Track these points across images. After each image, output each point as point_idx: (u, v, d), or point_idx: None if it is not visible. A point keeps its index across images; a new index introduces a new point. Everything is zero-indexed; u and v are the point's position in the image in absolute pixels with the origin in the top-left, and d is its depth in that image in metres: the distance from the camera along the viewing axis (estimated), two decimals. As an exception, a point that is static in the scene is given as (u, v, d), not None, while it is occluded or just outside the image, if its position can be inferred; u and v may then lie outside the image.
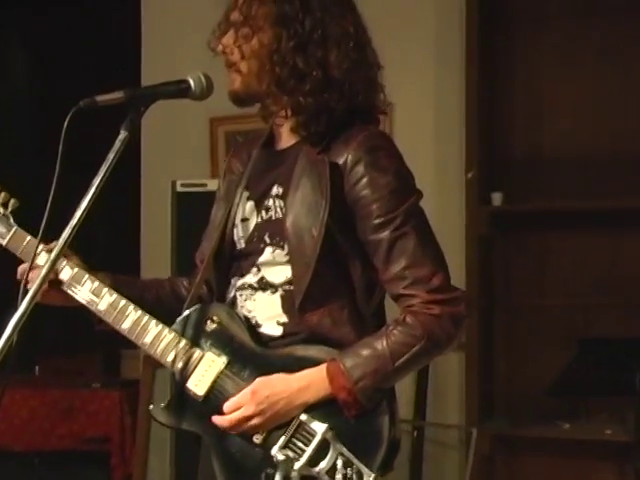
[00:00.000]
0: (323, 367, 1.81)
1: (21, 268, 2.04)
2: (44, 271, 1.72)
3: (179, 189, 4.09)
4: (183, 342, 1.91)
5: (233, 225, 1.99)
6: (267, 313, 1.91)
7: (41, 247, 1.96)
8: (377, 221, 1.83)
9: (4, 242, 2.07)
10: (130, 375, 4.97)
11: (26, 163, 6.06)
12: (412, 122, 4.28)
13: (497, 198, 4.16)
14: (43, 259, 1.96)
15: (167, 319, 1.96)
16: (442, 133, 4.28)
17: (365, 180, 1.83)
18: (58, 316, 6.17)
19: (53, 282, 2.00)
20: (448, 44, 4.25)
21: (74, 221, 1.72)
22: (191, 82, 1.85)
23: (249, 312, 1.94)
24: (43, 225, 1.73)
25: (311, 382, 1.81)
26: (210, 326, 1.91)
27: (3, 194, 2.09)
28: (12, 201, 2.08)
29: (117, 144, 1.75)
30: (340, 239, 1.85)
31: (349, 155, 1.84)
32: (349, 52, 1.89)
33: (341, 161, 1.84)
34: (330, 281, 1.86)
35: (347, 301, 1.87)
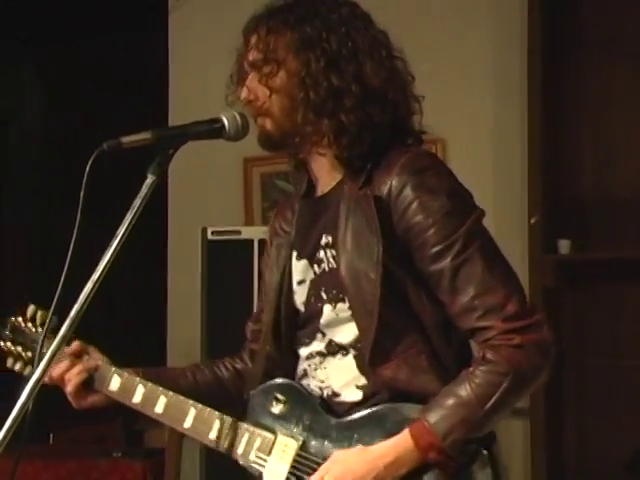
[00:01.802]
0: (406, 431, 1.78)
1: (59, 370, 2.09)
2: (59, 338, 1.72)
3: (210, 237, 4.12)
4: (250, 431, 1.92)
5: (290, 291, 1.99)
6: (343, 379, 1.90)
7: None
8: (435, 249, 1.81)
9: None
10: (154, 444, 4.96)
11: (40, 209, 6.14)
12: (468, 161, 4.28)
13: (564, 245, 4.13)
14: (117, 381, 2.06)
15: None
16: (502, 173, 4.27)
17: (415, 205, 1.81)
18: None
19: (85, 385, 2.07)
20: (507, 74, 4.25)
21: (96, 275, 1.73)
22: (225, 121, 1.86)
23: (322, 382, 1.93)
24: (62, 279, 1.74)
25: (397, 454, 1.78)
26: (276, 407, 1.91)
27: (40, 313, 2.16)
28: (45, 315, 2.14)
29: (144, 189, 1.76)
30: (401, 277, 1.84)
31: (392, 181, 1.83)
32: (383, 61, 1.91)
33: (385, 190, 1.83)
34: (399, 326, 1.84)
35: (423, 346, 1.84)
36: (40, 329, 2.15)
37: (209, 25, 4.95)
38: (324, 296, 1.91)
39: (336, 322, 1.90)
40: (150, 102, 5.07)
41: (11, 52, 5.97)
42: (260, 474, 1.90)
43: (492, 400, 1.76)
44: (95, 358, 2.12)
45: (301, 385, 1.94)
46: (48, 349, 2.00)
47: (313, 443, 1.87)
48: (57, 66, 6.04)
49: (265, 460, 1.89)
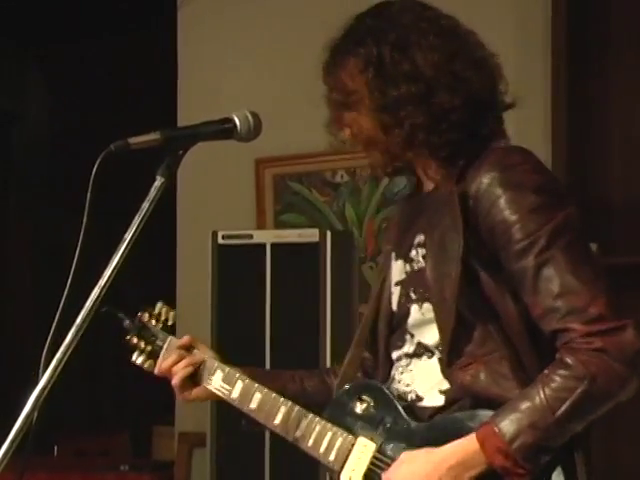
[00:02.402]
0: (473, 434, 1.79)
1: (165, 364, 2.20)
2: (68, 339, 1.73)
3: (221, 241, 4.12)
4: (333, 430, 1.98)
5: (390, 293, 2.03)
6: (427, 383, 1.93)
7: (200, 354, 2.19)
8: (518, 247, 1.81)
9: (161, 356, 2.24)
10: (163, 455, 4.97)
11: (45, 213, 6.16)
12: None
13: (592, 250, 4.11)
14: (219, 376, 2.15)
15: (315, 411, 2.03)
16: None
17: (501, 202, 1.83)
18: (80, 390, 6.23)
19: (190, 378, 2.17)
20: (530, 73, 4.24)
21: (103, 281, 1.74)
22: (237, 121, 1.86)
23: (407, 386, 1.97)
24: (68, 285, 1.74)
25: (462, 457, 1.79)
26: (360, 407, 1.96)
27: (165, 310, 2.29)
28: (172, 314, 2.28)
29: (152, 192, 1.77)
30: (484, 277, 1.85)
31: (482, 178, 1.85)
32: (434, 46, 1.92)
33: (474, 188, 1.86)
34: (480, 329, 1.85)
35: (506, 351, 1.84)
36: (160, 327, 2.26)
37: (219, 22, 4.96)
38: (413, 296, 1.94)
39: (422, 323, 1.93)
40: (158, 102, 5.08)
41: (14, 52, 5.99)
42: (338, 473, 1.96)
43: (564, 406, 1.74)
44: (202, 353, 2.19)
45: (388, 388, 1.97)
46: (165, 343, 2.21)
47: (391, 446, 1.91)
48: (61, 66, 6.06)
49: (344, 460, 1.95)
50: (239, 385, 2.13)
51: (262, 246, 4.04)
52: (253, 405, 2.10)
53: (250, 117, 1.88)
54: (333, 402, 2.02)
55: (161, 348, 2.23)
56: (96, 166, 1.70)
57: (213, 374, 2.17)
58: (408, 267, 1.97)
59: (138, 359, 2.27)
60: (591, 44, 4.28)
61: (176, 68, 4.99)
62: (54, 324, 1.87)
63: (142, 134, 1.78)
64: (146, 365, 2.26)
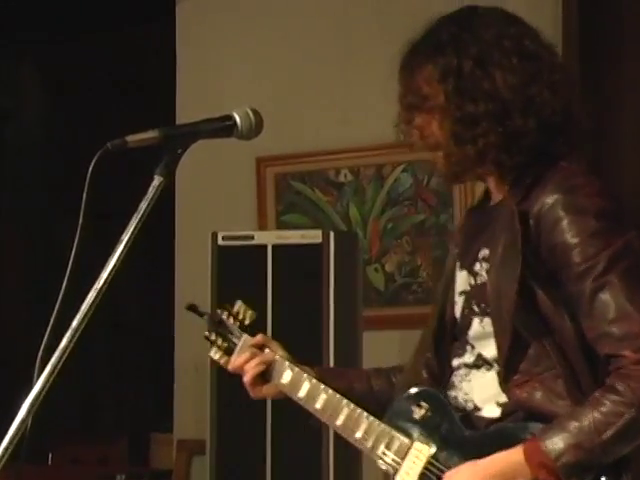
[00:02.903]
0: (520, 446, 1.89)
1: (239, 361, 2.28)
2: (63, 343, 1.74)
3: (221, 242, 4.12)
4: (392, 434, 2.07)
5: (453, 302, 2.12)
6: (484, 394, 2.03)
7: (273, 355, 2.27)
8: (577, 270, 1.90)
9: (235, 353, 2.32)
10: (161, 464, 4.98)
11: (40, 213, 6.16)
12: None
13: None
14: (288, 375, 2.23)
15: (380, 411, 2.13)
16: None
17: (562, 224, 1.92)
18: (76, 395, 6.22)
19: (261, 376, 2.26)
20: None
21: (100, 284, 1.74)
22: (237, 118, 1.86)
23: (466, 395, 2.06)
24: (64, 288, 1.75)
25: (507, 468, 1.89)
26: (418, 413, 2.06)
27: (243, 308, 2.37)
28: (250, 313, 2.36)
29: (150, 192, 1.76)
30: (542, 297, 1.94)
31: (546, 199, 1.94)
32: (514, 67, 1.99)
33: (537, 208, 1.95)
34: (536, 347, 1.95)
35: (562, 370, 1.94)
36: (237, 325, 2.35)
37: (219, 19, 4.97)
38: (475, 309, 2.04)
39: (483, 336, 2.03)
40: (156, 99, 5.09)
41: (9, 48, 6.00)
42: (393, 476, 2.06)
43: (611, 430, 1.84)
44: (274, 352, 2.28)
45: (446, 395, 2.07)
46: (240, 341, 2.31)
47: (444, 453, 2.01)
48: (57, 63, 6.06)
49: (399, 463, 2.05)
50: (306, 385, 2.21)
51: (263, 247, 4.04)
52: (318, 405, 2.18)
53: (251, 114, 1.88)
54: (393, 406, 2.12)
55: (236, 345, 2.32)
56: (92, 165, 1.71)
57: (282, 373, 2.25)
58: (472, 280, 2.06)
59: (215, 355, 2.36)
60: (603, 37, 4.27)
61: (175, 65, 4.99)
62: (49, 328, 1.87)
63: (140, 132, 1.78)
64: (222, 361, 2.34)
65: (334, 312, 3.92)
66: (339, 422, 2.15)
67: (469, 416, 2.04)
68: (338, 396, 2.16)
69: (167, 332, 4.85)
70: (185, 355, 4.79)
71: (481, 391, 2.04)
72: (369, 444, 2.09)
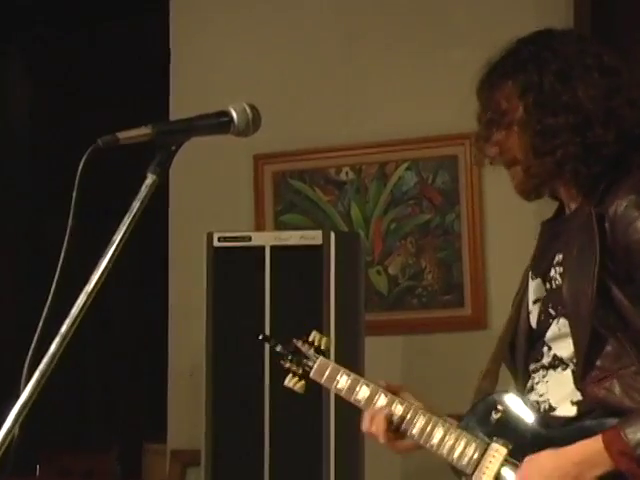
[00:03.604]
0: (599, 435, 2.03)
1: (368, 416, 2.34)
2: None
3: (217, 244, 4.12)
4: (468, 437, 2.22)
5: (528, 312, 2.28)
6: (560, 393, 2.18)
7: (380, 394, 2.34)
8: None
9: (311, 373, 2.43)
10: (154, 475, 4.97)
11: (28, 213, 6.16)
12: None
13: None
14: (382, 400, 2.32)
15: None
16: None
17: (637, 223, 2.07)
18: (64, 404, 6.21)
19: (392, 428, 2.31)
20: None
21: (90, 286, 1.74)
22: (234, 114, 1.86)
23: (541, 396, 2.21)
24: (52, 291, 1.75)
25: (586, 455, 2.03)
26: (495, 416, 2.21)
27: (318, 337, 2.48)
28: (324, 340, 2.47)
29: (143, 191, 1.77)
30: (619, 296, 2.08)
31: (620, 200, 2.10)
32: (595, 81, 2.17)
33: (612, 210, 2.10)
34: (614, 344, 2.09)
35: None
36: (312, 350, 2.46)
37: (214, 9, 4.97)
38: (552, 312, 2.19)
39: (559, 336, 2.17)
40: (149, 94, 5.09)
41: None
42: (470, 475, 2.21)
43: None
44: (405, 400, 2.32)
45: (523, 398, 2.22)
46: (315, 363, 2.42)
47: (522, 451, 2.14)
48: (45, 55, 6.06)
49: (477, 464, 2.20)
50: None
51: (261, 249, 4.04)
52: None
53: (248, 110, 1.88)
54: (469, 411, 2.27)
55: (311, 368, 2.43)
56: (82, 163, 1.71)
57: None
58: (547, 285, 2.22)
59: (290, 382, 2.46)
60: (616, 29, 4.28)
61: (168, 57, 4.99)
62: (37, 333, 1.87)
63: (132, 128, 1.78)
64: (297, 387, 2.45)
65: (335, 317, 3.92)
66: (414, 431, 2.27)
67: (545, 417, 2.17)
68: (428, 416, 2.28)
69: (161, 336, 4.85)
70: (179, 360, 4.79)
71: (557, 390, 2.17)
72: (445, 449, 2.23)
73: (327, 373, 2.41)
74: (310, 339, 2.48)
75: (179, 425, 4.80)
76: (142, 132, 1.78)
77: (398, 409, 2.30)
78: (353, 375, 2.39)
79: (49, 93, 6.15)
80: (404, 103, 4.55)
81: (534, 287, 2.27)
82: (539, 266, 2.27)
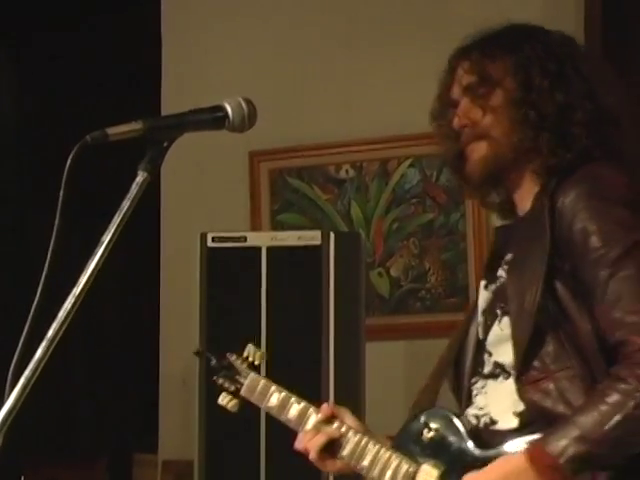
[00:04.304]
0: (523, 451, 1.98)
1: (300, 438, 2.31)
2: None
3: (211, 244, 4.12)
4: (399, 458, 2.16)
5: (477, 324, 2.24)
6: (502, 404, 2.11)
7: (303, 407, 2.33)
8: (595, 255, 2.00)
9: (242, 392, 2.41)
10: (145, 488, 4.97)
11: (13, 212, 6.17)
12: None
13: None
14: (312, 419, 2.29)
15: None
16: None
17: (584, 212, 2.03)
18: (51, 412, 6.21)
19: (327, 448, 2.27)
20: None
21: (78, 289, 1.74)
22: (228, 109, 1.87)
23: (481, 409, 2.15)
24: (39, 293, 1.75)
25: (510, 474, 1.97)
26: (427, 435, 2.16)
27: (253, 350, 2.45)
28: (258, 354, 2.45)
29: (133, 189, 1.77)
30: (564, 293, 2.04)
31: (569, 190, 2.06)
32: (613, 85, 2.20)
33: (561, 201, 2.06)
34: (555, 344, 2.04)
35: (580, 369, 2.02)
36: (245, 365, 2.44)
37: (208, 1, 4.97)
38: (497, 312, 2.15)
39: (501, 339, 2.13)
40: (140, 88, 5.09)
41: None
42: None
43: (614, 420, 1.91)
44: (344, 423, 2.28)
45: (456, 415, 2.16)
46: (246, 380, 2.39)
47: (454, 474, 2.08)
48: (32, 50, 6.07)
49: None
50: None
51: (257, 250, 4.05)
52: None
53: (243, 105, 1.88)
54: (402, 430, 2.22)
55: (242, 385, 2.41)
56: (70, 160, 1.71)
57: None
58: (493, 286, 2.19)
59: (223, 401, 2.44)
60: (628, 22, 4.28)
61: (160, 51, 4.99)
62: (22, 338, 1.87)
63: (122, 123, 1.78)
64: (230, 405, 2.43)
65: (334, 321, 3.92)
66: (344, 452, 2.23)
67: (484, 432, 2.12)
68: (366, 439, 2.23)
69: (152, 342, 4.85)
70: (171, 367, 4.79)
71: (497, 402, 2.12)
72: (375, 472, 2.18)
73: (258, 390, 2.39)
74: (245, 354, 2.45)
75: (171, 434, 4.80)
76: (132, 127, 1.78)
77: (328, 430, 2.26)
78: (285, 393, 2.36)
79: (35, 89, 6.15)
80: (406, 97, 4.54)
81: (484, 296, 2.24)
82: (488, 272, 2.24)
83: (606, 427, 1.91)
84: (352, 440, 2.23)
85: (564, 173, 2.11)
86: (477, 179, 2.21)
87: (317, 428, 2.28)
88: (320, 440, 2.25)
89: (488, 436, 2.11)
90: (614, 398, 1.92)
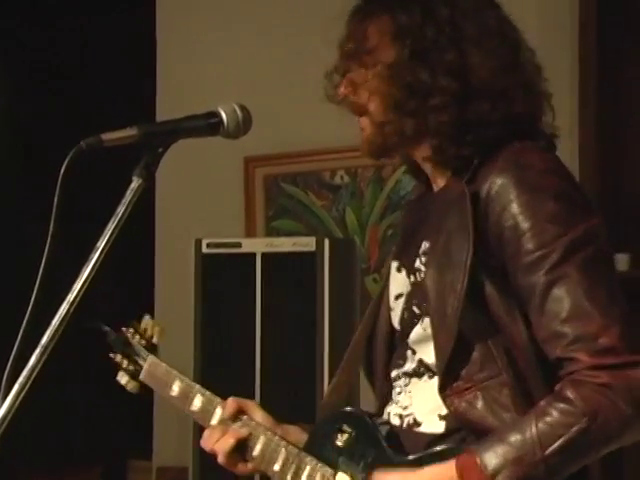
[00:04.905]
0: (453, 461, 1.79)
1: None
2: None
3: (205, 250, 4.13)
4: (312, 464, 2.00)
5: (389, 307, 2.05)
6: (426, 406, 1.93)
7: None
8: (529, 259, 1.80)
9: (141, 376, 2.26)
10: (139, 495, 4.96)
11: (6, 218, 6.16)
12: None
13: (622, 261, 4.13)
14: (218, 414, 2.12)
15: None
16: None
17: (513, 206, 1.82)
18: (45, 419, 6.20)
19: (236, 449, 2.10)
20: (555, 66, 4.24)
21: (72, 295, 1.74)
22: (223, 115, 1.87)
23: (404, 409, 1.97)
24: (33, 300, 1.75)
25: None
26: (341, 439, 1.97)
27: (151, 324, 2.28)
28: (157, 330, 2.28)
29: (128, 195, 1.77)
30: (492, 292, 1.84)
31: (494, 178, 1.84)
32: (495, 50, 1.91)
33: (485, 188, 1.85)
34: (482, 350, 1.85)
35: (509, 378, 1.84)
36: (144, 343, 2.28)
37: (204, 4, 4.97)
38: (416, 311, 1.95)
39: (425, 338, 1.92)
40: (135, 93, 5.08)
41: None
42: None
43: (556, 444, 1.74)
44: (252, 417, 2.12)
45: (371, 416, 2.00)
46: (146, 363, 2.23)
47: None
48: (25, 50, 6.06)
49: None
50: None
51: (252, 256, 4.05)
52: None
53: (238, 111, 1.88)
54: (313, 432, 2.04)
55: (142, 368, 2.26)
56: (64, 165, 1.71)
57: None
58: (412, 278, 1.97)
59: (122, 379, 2.30)
60: (624, 28, 4.29)
61: (154, 55, 5.00)
62: (16, 344, 1.87)
63: (117, 129, 1.79)
64: (129, 387, 2.29)
65: (329, 327, 3.92)
66: (255, 453, 2.07)
67: (407, 434, 1.95)
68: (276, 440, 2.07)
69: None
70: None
71: (422, 402, 1.94)
72: (288, 478, 2.01)
73: (158, 376, 2.23)
74: (142, 327, 2.28)
75: (165, 441, 4.80)
76: (127, 133, 1.78)
77: (236, 430, 2.08)
78: (187, 381, 2.19)
79: (29, 94, 6.15)
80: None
81: (398, 280, 2.02)
82: (404, 256, 2.02)
83: (547, 451, 1.73)
84: (262, 440, 2.05)
85: (481, 156, 1.88)
86: (370, 156, 2.04)
87: (224, 427, 2.10)
88: (228, 443, 2.06)
89: (411, 438, 1.94)
90: (558, 420, 1.74)
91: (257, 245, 4.12)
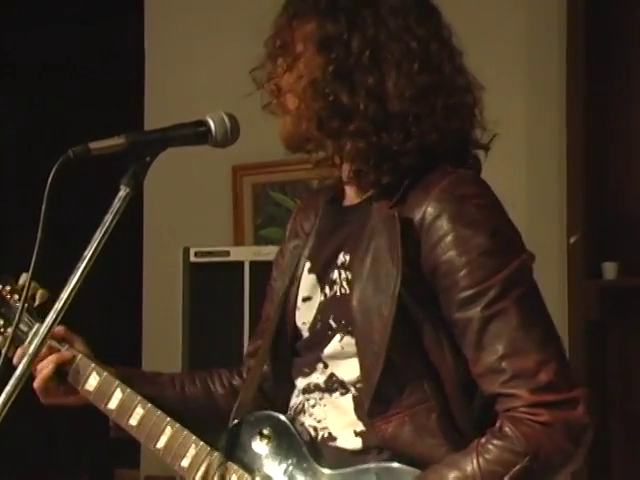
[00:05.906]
0: None
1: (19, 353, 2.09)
2: (24, 364, 1.74)
3: (193, 259, 4.13)
4: (225, 466, 1.95)
5: (295, 307, 2.00)
6: (341, 421, 1.91)
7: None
8: (464, 294, 1.79)
9: (25, 344, 2.14)
10: (127, 502, 4.95)
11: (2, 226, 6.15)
12: (497, 169, 4.27)
13: (610, 269, 4.13)
14: (94, 380, 2.11)
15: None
16: (536, 184, 4.28)
17: (449, 239, 1.80)
18: (30, 426, 6.19)
19: (58, 377, 2.09)
20: (544, 71, 4.26)
21: (60, 304, 1.74)
22: (211, 124, 1.88)
23: (319, 422, 1.94)
24: (19, 310, 1.75)
25: None
26: (260, 443, 1.94)
27: (33, 287, 2.15)
28: (40, 292, 2.16)
29: (116, 204, 1.77)
30: (420, 319, 1.83)
31: (428, 207, 1.82)
32: (413, 75, 1.87)
33: (418, 216, 1.82)
34: (409, 375, 1.83)
35: (435, 403, 1.83)
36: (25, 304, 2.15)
37: (191, 11, 4.97)
38: (333, 324, 1.91)
39: (341, 355, 1.90)
40: (123, 101, 5.09)
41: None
42: None
43: None
44: (75, 349, 2.14)
45: (293, 422, 1.95)
46: (28, 329, 2.12)
47: None
48: (11, 56, 6.06)
49: None
50: (118, 395, 2.10)
51: (240, 264, 4.05)
52: (133, 421, 2.08)
53: (226, 119, 1.89)
54: (230, 433, 1.99)
55: (25, 334, 2.16)
56: (52, 175, 1.70)
57: (87, 377, 2.13)
58: (328, 289, 1.93)
59: None
60: (611, 39, 4.30)
61: (142, 63, 5.00)
62: (3, 352, 1.87)
63: (104, 138, 1.79)
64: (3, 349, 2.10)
65: (317, 336, 3.92)
66: (160, 445, 2.04)
67: (322, 446, 1.92)
68: (159, 413, 2.06)
69: (134, 356, 4.84)
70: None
71: (336, 418, 1.91)
72: (197, 476, 1.99)
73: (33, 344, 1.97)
74: (20, 284, 2.19)
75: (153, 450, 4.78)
76: (115, 142, 1.78)
77: (138, 412, 2.06)
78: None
79: (18, 96, 6.15)
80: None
81: (308, 283, 1.98)
82: (317, 260, 1.98)
83: None
84: (141, 409, 2.04)
85: (411, 177, 1.86)
86: (287, 150, 2.02)
87: (50, 349, 2.08)
88: (51, 367, 2.07)
89: (329, 452, 1.90)
90: (498, 457, 1.73)
91: (246, 253, 4.12)
